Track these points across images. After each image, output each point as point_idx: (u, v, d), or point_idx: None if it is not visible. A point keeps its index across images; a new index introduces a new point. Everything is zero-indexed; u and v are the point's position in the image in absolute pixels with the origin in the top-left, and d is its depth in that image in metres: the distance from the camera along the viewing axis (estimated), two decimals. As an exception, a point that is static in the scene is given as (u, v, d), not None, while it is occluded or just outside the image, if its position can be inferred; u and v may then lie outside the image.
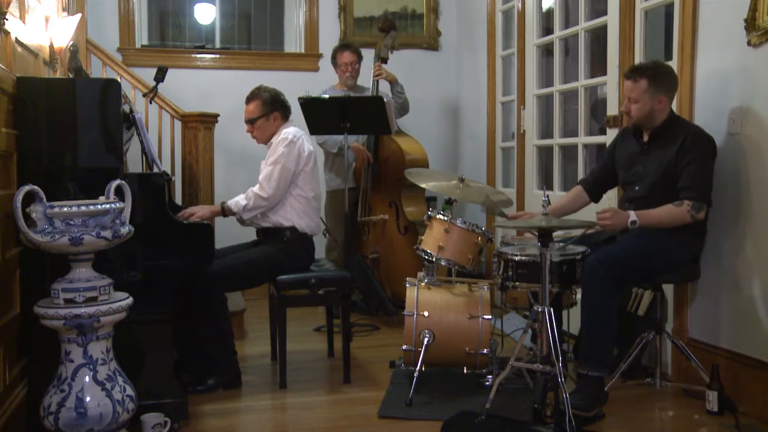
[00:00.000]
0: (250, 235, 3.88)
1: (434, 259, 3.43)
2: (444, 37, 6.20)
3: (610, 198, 3.79)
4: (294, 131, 3.74)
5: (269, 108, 3.76)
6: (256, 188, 3.64)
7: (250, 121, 3.78)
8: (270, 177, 3.63)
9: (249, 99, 3.80)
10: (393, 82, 5.00)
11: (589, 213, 3.54)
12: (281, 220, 3.68)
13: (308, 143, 3.77)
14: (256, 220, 3.72)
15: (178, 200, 4.87)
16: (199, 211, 3.61)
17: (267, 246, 3.70)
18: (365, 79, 5.10)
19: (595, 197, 3.60)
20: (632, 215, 3.12)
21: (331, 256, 4.97)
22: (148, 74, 4.46)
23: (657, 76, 3.18)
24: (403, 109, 5.06)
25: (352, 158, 4.85)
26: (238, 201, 3.64)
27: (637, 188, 3.31)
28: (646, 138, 3.29)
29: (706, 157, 3.12)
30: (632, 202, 3.31)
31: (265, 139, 3.81)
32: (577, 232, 3.50)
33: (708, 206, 3.12)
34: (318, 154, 4.98)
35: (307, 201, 3.73)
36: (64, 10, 3.92)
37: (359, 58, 5.03)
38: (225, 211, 3.66)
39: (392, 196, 4.87)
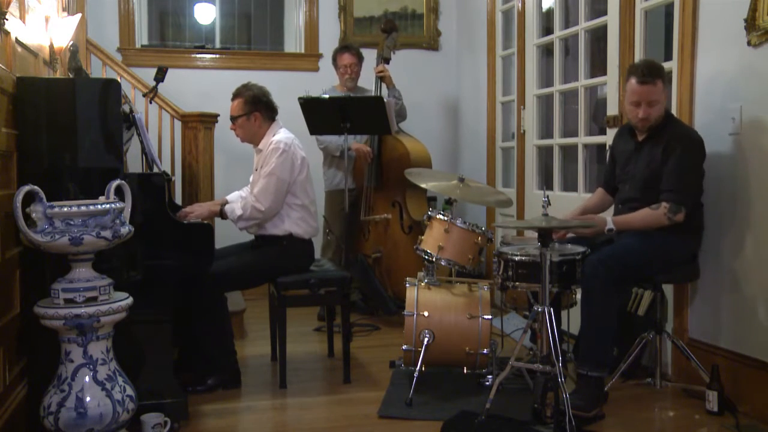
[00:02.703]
0: (249, 235, 3.88)
1: (434, 259, 3.43)
2: (444, 37, 6.20)
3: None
4: (284, 138, 3.65)
5: (250, 108, 3.68)
6: (252, 200, 3.58)
7: (232, 119, 3.75)
8: (266, 190, 3.57)
9: (233, 96, 3.75)
10: (391, 87, 4.99)
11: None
12: (276, 231, 3.65)
13: (300, 150, 3.71)
14: (251, 229, 3.71)
15: (178, 200, 4.87)
16: (197, 210, 3.60)
17: (267, 248, 3.69)
18: (366, 80, 5.09)
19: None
20: (609, 222, 3.15)
21: (326, 254, 4.96)
22: (148, 74, 4.46)
23: (664, 74, 3.19)
24: (400, 115, 5.03)
25: (353, 157, 4.85)
26: (234, 209, 3.60)
27: (628, 188, 3.32)
28: (641, 137, 3.28)
29: (690, 160, 3.10)
30: (624, 203, 3.32)
31: (248, 138, 3.76)
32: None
33: (687, 209, 3.10)
34: (317, 153, 5.01)
35: (303, 208, 3.69)
36: (64, 10, 3.92)
37: (360, 59, 5.01)
38: (222, 214, 3.66)
39: (395, 195, 4.87)
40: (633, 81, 3.15)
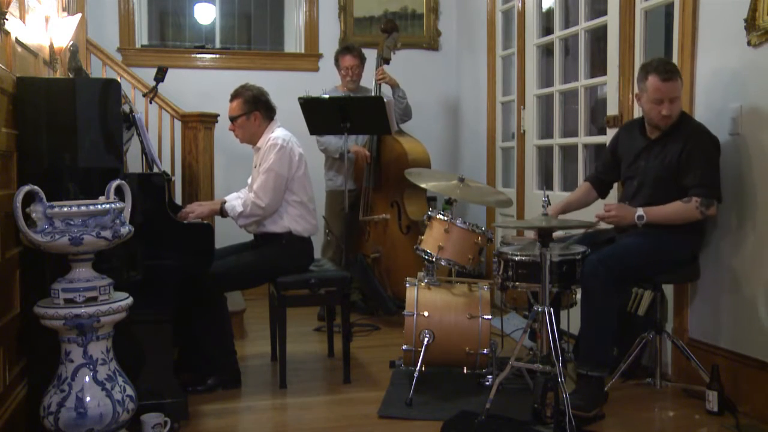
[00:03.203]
0: (249, 234, 3.88)
1: (434, 259, 3.42)
2: (444, 37, 6.20)
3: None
4: (282, 135, 3.67)
5: (250, 107, 3.69)
6: (252, 196, 3.59)
7: (231, 119, 3.75)
8: (265, 186, 3.58)
9: (232, 97, 3.76)
10: (395, 87, 4.99)
11: (592, 212, 3.54)
12: (276, 228, 3.65)
13: (298, 146, 3.72)
14: (250, 227, 3.71)
15: (178, 200, 4.87)
16: (197, 209, 3.60)
17: (266, 248, 3.69)
18: (369, 81, 5.09)
19: (603, 193, 3.61)
20: (639, 210, 3.13)
21: (326, 254, 4.96)
22: (148, 74, 4.46)
23: (676, 71, 3.17)
24: (405, 114, 5.05)
25: (353, 159, 4.86)
26: (235, 206, 3.61)
27: (636, 183, 3.31)
28: (654, 135, 3.27)
29: (712, 155, 3.11)
30: (631, 198, 3.31)
31: (247, 138, 3.77)
32: (578, 232, 3.51)
33: (718, 202, 3.11)
34: (317, 154, 5.01)
35: (302, 205, 3.69)
36: (64, 10, 3.92)
37: (362, 61, 5.01)
38: (223, 212, 3.66)
39: (394, 195, 4.87)
40: (655, 79, 3.11)
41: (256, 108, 3.70)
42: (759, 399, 3.00)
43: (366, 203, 4.97)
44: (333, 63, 5.12)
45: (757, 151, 3.05)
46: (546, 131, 4.87)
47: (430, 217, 3.50)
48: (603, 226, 3.36)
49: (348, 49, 5.04)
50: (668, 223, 3.13)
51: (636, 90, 3.27)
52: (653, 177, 3.23)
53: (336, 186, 5.01)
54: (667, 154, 3.18)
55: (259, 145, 3.73)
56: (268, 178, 3.59)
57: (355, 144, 4.90)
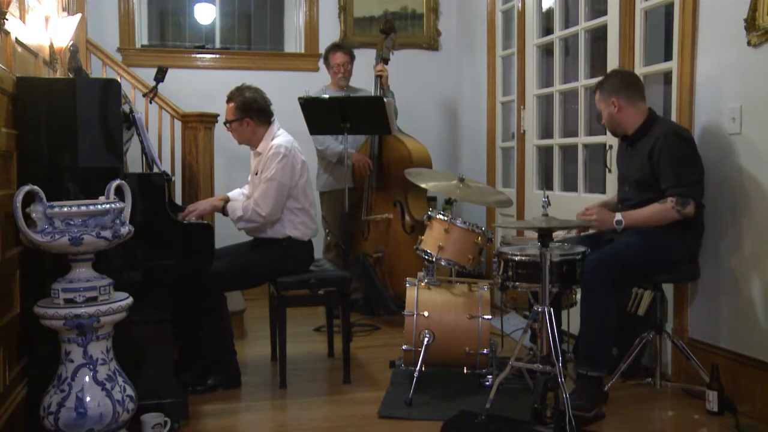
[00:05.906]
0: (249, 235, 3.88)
1: (434, 259, 3.43)
2: (444, 37, 6.20)
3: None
4: (285, 142, 3.64)
5: (241, 114, 3.66)
6: (253, 204, 3.57)
7: (226, 123, 3.75)
8: (266, 195, 3.56)
9: (227, 99, 3.74)
10: (385, 88, 5.00)
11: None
12: (275, 234, 3.65)
13: (300, 153, 3.70)
14: (248, 232, 3.71)
15: (178, 200, 4.87)
16: (200, 206, 3.61)
17: (266, 248, 3.69)
18: (362, 80, 5.09)
19: None
20: (618, 215, 3.16)
21: (328, 255, 4.96)
22: (148, 74, 4.46)
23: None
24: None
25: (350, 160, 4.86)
26: (236, 209, 3.60)
27: (626, 188, 3.35)
28: (627, 140, 3.33)
29: (682, 154, 3.10)
30: (623, 203, 3.35)
31: (244, 141, 3.76)
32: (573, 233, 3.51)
33: (695, 200, 3.09)
34: (314, 155, 5.00)
35: (304, 211, 3.68)
36: (64, 10, 3.92)
37: (352, 58, 5.02)
38: (224, 210, 3.66)
39: (397, 195, 4.87)
40: None
41: (246, 115, 3.67)
42: (759, 399, 3.00)
43: (368, 203, 4.97)
44: (323, 62, 5.11)
45: (757, 151, 3.05)
46: (546, 131, 4.87)
47: (430, 217, 3.50)
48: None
49: (338, 46, 5.07)
50: (649, 225, 3.14)
51: None
52: (634, 182, 3.27)
53: (330, 186, 4.98)
54: (640, 157, 3.21)
55: (259, 150, 3.71)
56: (270, 187, 3.57)
57: (356, 152, 4.89)
